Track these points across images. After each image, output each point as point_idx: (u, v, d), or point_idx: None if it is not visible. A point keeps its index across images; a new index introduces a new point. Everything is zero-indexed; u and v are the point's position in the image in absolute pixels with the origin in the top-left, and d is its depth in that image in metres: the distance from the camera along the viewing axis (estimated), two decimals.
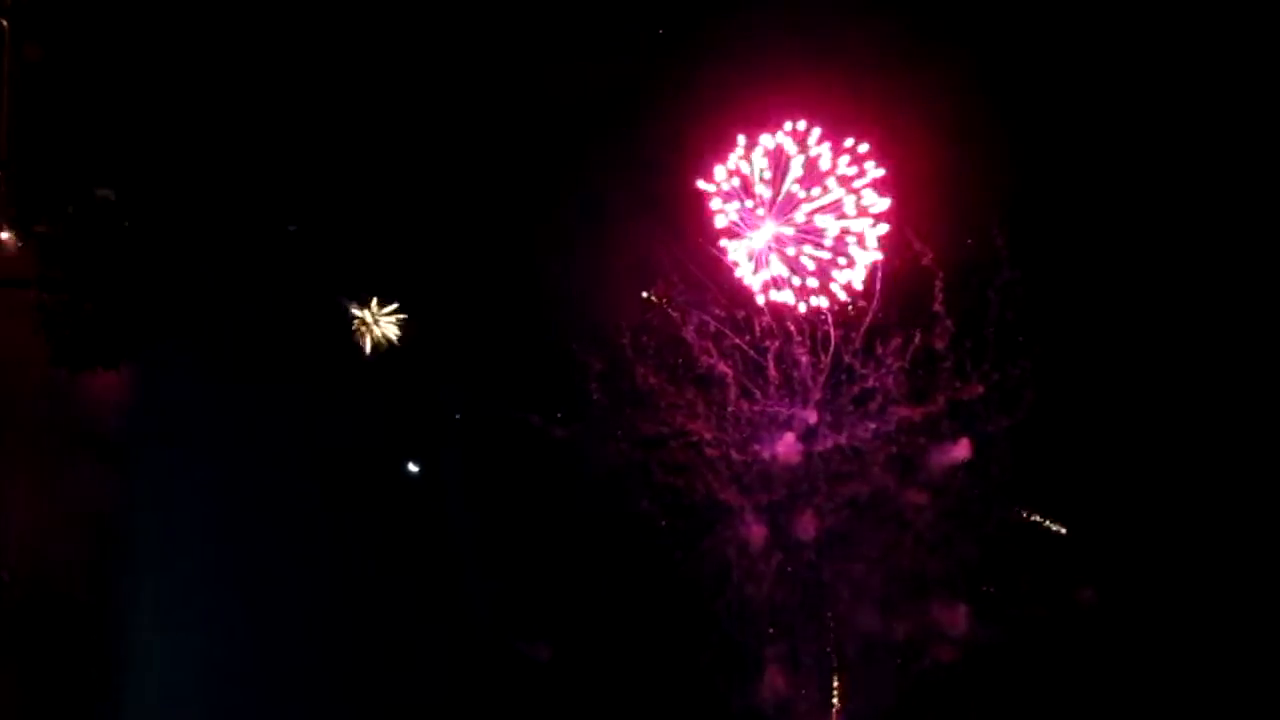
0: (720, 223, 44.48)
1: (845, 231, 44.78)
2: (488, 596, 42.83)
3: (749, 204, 44.72)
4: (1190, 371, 37.53)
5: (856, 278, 44.51)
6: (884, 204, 44.76)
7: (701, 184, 43.54)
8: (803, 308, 44.38)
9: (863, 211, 44.74)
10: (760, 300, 44.35)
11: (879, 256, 43.86)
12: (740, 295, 44.65)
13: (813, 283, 44.46)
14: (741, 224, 44.37)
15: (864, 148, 44.24)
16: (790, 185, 44.91)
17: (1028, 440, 38.37)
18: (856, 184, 45.07)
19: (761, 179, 44.54)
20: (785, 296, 44.59)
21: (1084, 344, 38.77)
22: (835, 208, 44.49)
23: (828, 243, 44.62)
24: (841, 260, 44.22)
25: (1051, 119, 40.20)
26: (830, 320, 42.96)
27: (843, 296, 44.06)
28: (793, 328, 43.34)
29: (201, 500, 41.04)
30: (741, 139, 43.76)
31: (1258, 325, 37.06)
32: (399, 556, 42.98)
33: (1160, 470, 37.40)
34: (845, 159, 44.57)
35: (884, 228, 44.63)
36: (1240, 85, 37.69)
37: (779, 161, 44.58)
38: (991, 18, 39.94)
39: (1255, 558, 36.96)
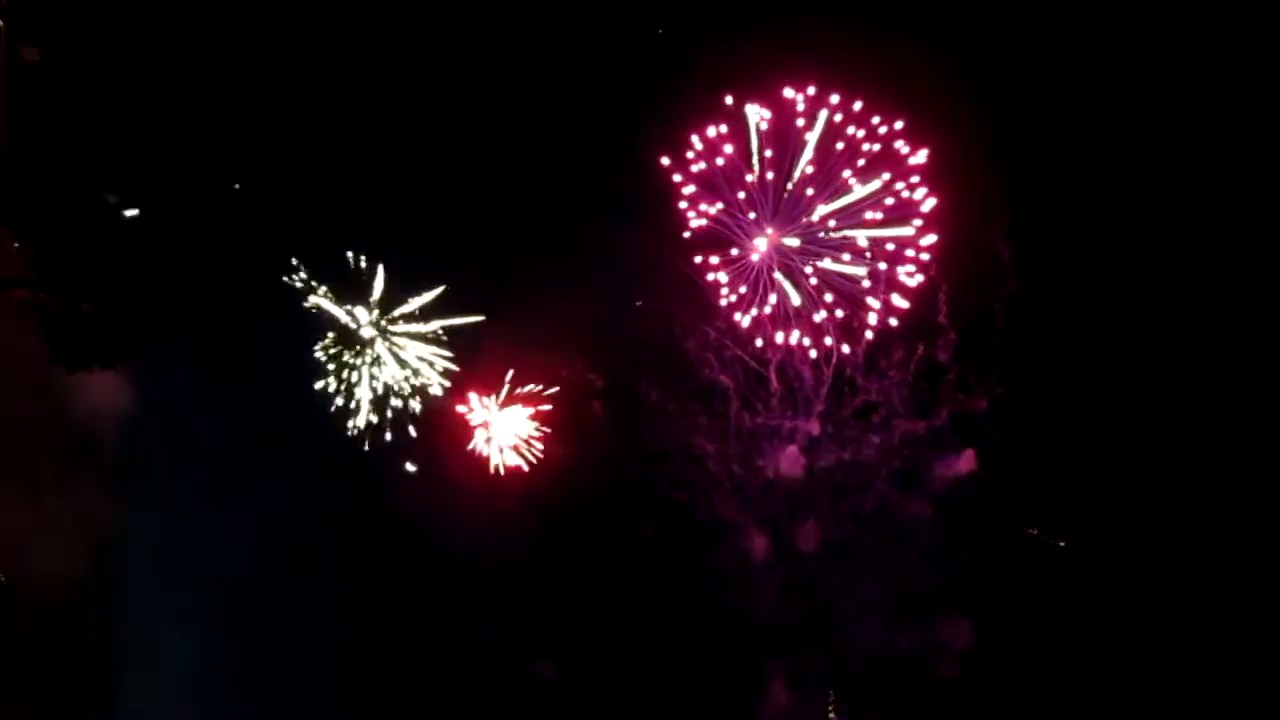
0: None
1: (879, 241, 36.53)
2: (489, 610, 40.79)
3: (740, 196, 36.85)
4: (1194, 381, 36.79)
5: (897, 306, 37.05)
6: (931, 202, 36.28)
7: (666, 163, 36.63)
8: (815, 351, 37.69)
9: (905, 209, 36.17)
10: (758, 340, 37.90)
11: (919, 278, 36.62)
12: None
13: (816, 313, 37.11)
14: (739, 232, 36.78)
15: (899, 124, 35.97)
16: (803, 168, 36.36)
17: (1030, 452, 37.71)
18: (893, 171, 36.27)
19: (761, 159, 36.54)
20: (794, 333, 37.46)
21: (1087, 356, 37.41)
22: (871, 205, 36.28)
23: (847, 258, 36.44)
24: (866, 281, 36.48)
25: (1060, 125, 36.94)
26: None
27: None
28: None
29: (200, 505, 40.00)
30: (729, 100, 36.45)
31: (1263, 332, 36.47)
32: (401, 566, 40.84)
33: (1165, 483, 36.86)
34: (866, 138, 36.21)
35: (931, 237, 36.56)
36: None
37: (785, 140, 36.35)
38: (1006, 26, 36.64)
39: (1261, 569, 36.57)
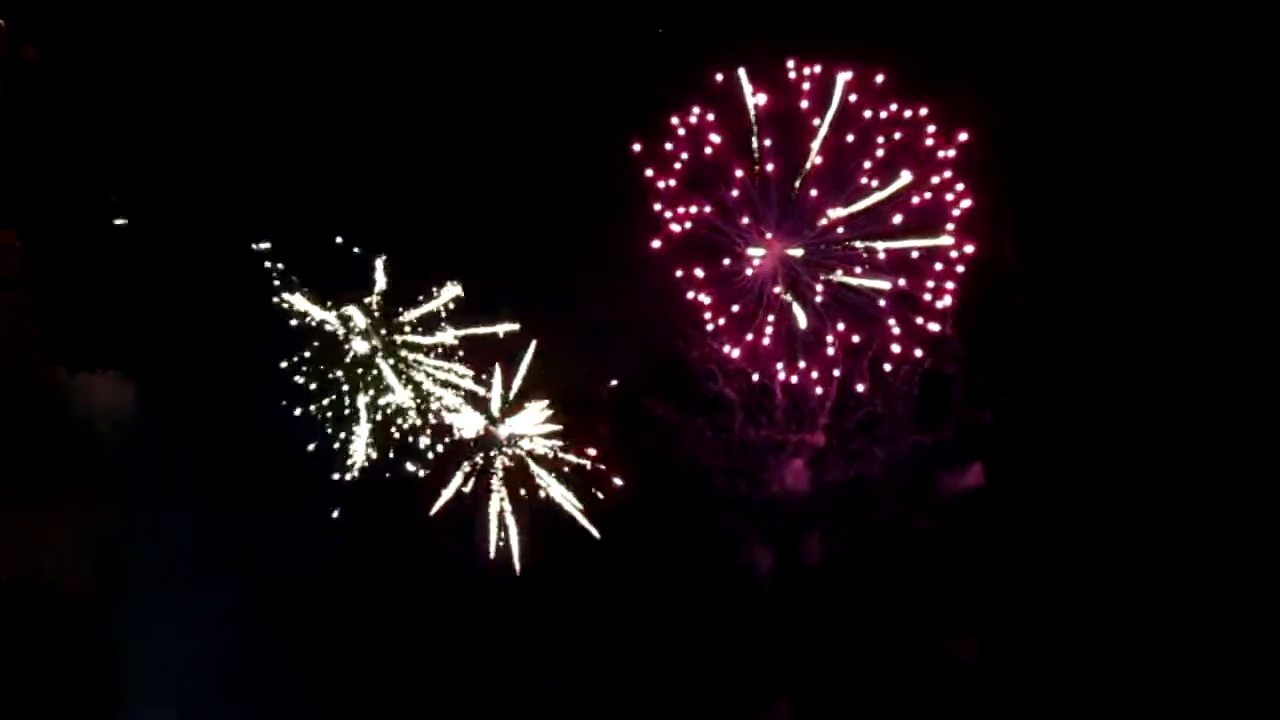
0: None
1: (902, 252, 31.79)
2: (493, 623, 39.43)
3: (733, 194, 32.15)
4: (1205, 391, 36.06)
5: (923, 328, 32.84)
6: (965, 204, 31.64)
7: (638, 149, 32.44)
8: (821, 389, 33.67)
9: (934, 212, 31.23)
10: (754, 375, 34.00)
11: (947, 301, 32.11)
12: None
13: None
14: (736, 240, 32.18)
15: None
16: (810, 162, 31.43)
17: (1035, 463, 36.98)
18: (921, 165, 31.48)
19: (761, 150, 31.39)
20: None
21: (1094, 365, 36.42)
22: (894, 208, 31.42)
23: (859, 270, 31.84)
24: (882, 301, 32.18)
25: (1071, 129, 34.88)
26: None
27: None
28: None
29: (200, 508, 39.13)
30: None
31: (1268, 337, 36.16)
32: (404, 572, 39.41)
33: (1174, 495, 36.23)
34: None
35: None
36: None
37: (788, 126, 31.43)
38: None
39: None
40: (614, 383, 36.79)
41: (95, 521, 38.37)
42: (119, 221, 36.97)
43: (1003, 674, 37.41)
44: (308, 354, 35.49)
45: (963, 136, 31.02)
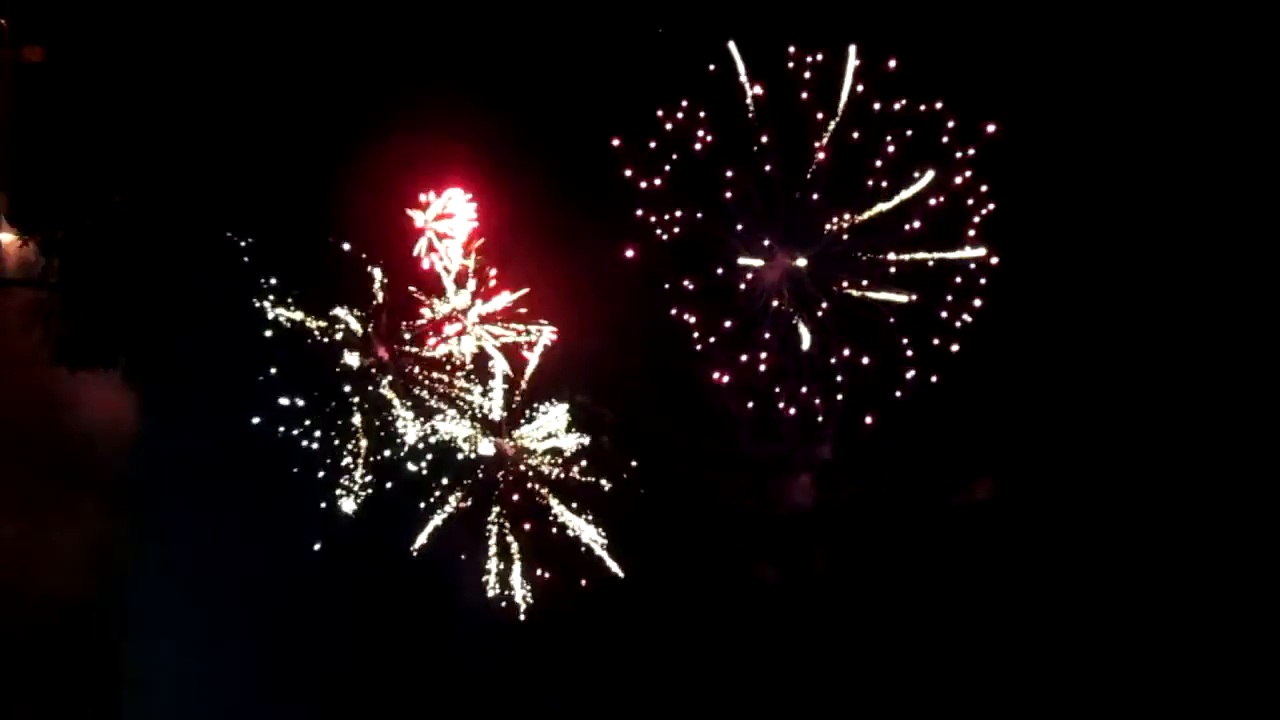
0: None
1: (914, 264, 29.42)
2: (498, 646, 39.01)
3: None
4: (1220, 404, 35.56)
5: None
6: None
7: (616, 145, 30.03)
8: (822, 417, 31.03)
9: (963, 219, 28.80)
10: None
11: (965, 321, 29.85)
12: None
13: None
14: (734, 248, 29.70)
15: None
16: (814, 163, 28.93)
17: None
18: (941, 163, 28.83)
19: (758, 149, 28.68)
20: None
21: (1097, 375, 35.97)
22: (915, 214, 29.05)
23: (865, 282, 29.55)
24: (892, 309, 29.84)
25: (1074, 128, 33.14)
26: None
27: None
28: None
29: (205, 520, 38.69)
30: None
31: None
32: (410, 589, 38.87)
33: (1189, 509, 36.14)
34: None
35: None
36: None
37: (789, 121, 28.59)
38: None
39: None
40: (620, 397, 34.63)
41: (97, 528, 37.85)
42: (121, 220, 36.66)
43: (1013, 689, 36.97)
44: (303, 367, 33.93)
45: (990, 128, 28.36)
